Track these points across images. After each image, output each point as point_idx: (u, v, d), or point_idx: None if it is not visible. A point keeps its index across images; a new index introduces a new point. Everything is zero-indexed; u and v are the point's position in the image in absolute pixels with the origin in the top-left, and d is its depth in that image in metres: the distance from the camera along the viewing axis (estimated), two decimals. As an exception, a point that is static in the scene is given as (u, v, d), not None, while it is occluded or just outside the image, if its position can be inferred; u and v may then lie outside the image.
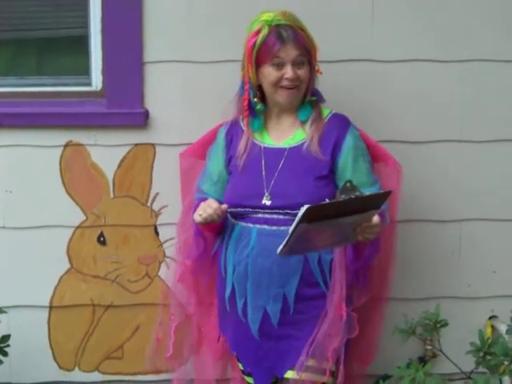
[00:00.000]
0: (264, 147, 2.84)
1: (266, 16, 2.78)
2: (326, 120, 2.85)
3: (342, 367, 2.73)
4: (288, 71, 2.75)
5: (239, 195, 2.80)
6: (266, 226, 2.75)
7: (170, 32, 3.22)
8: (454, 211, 3.29)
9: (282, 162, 2.79)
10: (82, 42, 3.30)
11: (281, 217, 2.73)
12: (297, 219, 2.42)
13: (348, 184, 2.53)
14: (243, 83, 2.84)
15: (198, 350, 3.05)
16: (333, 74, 3.11)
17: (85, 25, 3.28)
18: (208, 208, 2.73)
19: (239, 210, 2.80)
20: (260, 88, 2.84)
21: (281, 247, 2.51)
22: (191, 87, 3.23)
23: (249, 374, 2.87)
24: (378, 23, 3.21)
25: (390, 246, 2.99)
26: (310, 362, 2.71)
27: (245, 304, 2.80)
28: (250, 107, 2.84)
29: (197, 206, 2.86)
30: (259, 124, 2.86)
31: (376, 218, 2.61)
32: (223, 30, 3.19)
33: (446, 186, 3.29)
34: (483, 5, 3.23)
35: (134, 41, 3.21)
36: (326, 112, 2.88)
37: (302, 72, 2.77)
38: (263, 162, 2.81)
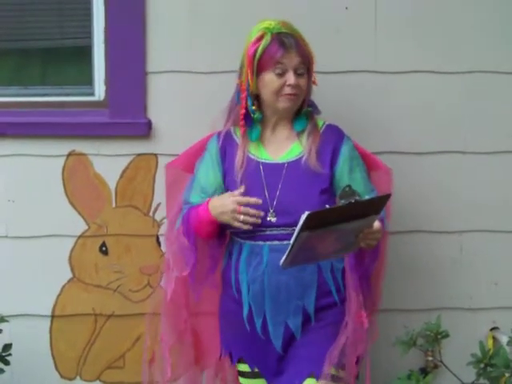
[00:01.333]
0: (262, 163, 2.80)
1: (267, 24, 2.76)
2: (321, 131, 2.83)
3: (368, 373, 2.77)
4: (290, 78, 2.72)
5: None
6: (276, 242, 2.72)
7: (172, 42, 3.23)
8: (455, 222, 3.29)
9: (283, 177, 2.76)
10: (85, 52, 3.32)
11: (289, 231, 2.68)
12: (298, 227, 2.42)
13: (347, 189, 2.53)
14: (239, 92, 2.81)
15: (195, 365, 3.03)
16: (335, 85, 3.13)
17: (88, 35, 3.30)
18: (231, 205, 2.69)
19: (246, 233, 2.76)
20: (257, 98, 2.80)
21: (283, 258, 2.50)
22: (194, 98, 3.24)
23: None
24: (381, 35, 3.22)
25: (382, 257, 2.95)
26: (333, 371, 2.70)
27: (264, 322, 2.77)
28: (246, 117, 2.80)
29: (187, 214, 2.82)
30: (257, 133, 2.82)
31: (377, 224, 2.61)
32: (226, 41, 3.20)
33: (448, 197, 3.29)
34: (485, 17, 3.24)
35: (137, 51, 3.22)
36: (320, 123, 2.86)
37: (302, 81, 2.76)
38: (263, 179, 2.78)
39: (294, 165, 2.78)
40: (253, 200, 2.70)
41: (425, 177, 3.28)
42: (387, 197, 2.55)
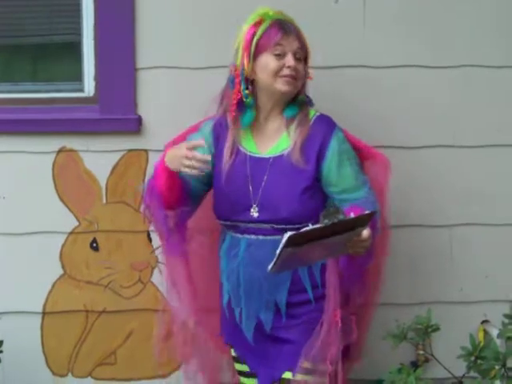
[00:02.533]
0: (249, 156, 2.78)
1: (266, 10, 2.75)
2: (310, 123, 2.77)
3: (340, 372, 2.72)
4: (290, 60, 2.69)
5: (227, 209, 2.76)
6: (253, 236, 2.74)
7: (162, 38, 3.23)
8: (445, 216, 3.30)
9: (267, 172, 2.74)
10: (75, 49, 3.32)
11: (268, 227, 2.71)
12: (280, 245, 2.40)
13: (331, 208, 2.54)
14: (233, 77, 2.77)
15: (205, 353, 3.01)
16: (325, 80, 3.12)
17: (77, 31, 3.30)
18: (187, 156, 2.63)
19: (228, 223, 2.78)
20: (252, 83, 2.75)
21: (270, 265, 2.48)
22: (184, 93, 3.24)
23: (252, 376, 2.87)
24: (370, 29, 3.22)
25: (382, 249, 2.94)
26: (308, 365, 2.71)
27: (241, 312, 2.81)
28: (239, 103, 2.76)
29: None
30: (249, 118, 2.77)
31: (366, 233, 2.55)
32: (215, 36, 3.20)
33: (438, 190, 3.29)
34: (475, 10, 3.24)
35: (126, 47, 3.22)
36: (312, 113, 2.81)
37: (300, 67, 2.73)
38: (249, 172, 2.76)
39: (279, 160, 2.75)
40: (200, 143, 2.68)
41: (415, 171, 3.28)
42: (371, 214, 2.51)
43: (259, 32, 2.71)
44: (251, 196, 2.74)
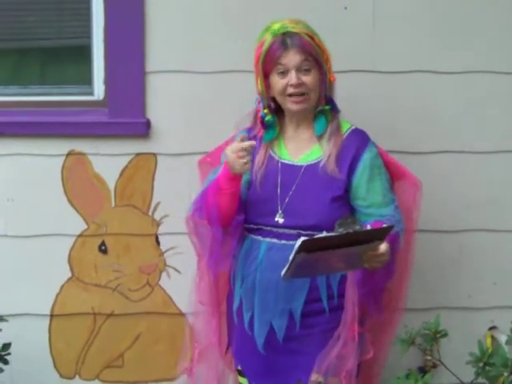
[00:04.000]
0: (281, 162, 2.77)
1: (274, 25, 2.73)
2: (345, 136, 2.77)
3: None
4: (291, 77, 2.68)
5: (253, 212, 2.75)
6: (275, 240, 2.72)
7: (171, 42, 3.24)
8: (454, 222, 3.30)
9: (298, 179, 2.74)
10: (85, 52, 3.32)
11: (292, 233, 2.70)
12: (294, 251, 2.40)
13: (348, 218, 2.51)
14: (257, 96, 2.79)
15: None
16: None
17: (87, 35, 3.30)
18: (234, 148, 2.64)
19: (251, 226, 2.77)
20: (274, 100, 2.78)
21: (284, 271, 2.47)
22: (193, 97, 3.25)
23: None
24: (379, 35, 3.22)
25: (405, 266, 2.91)
26: (321, 378, 2.69)
27: (252, 317, 2.78)
28: (262, 120, 2.77)
29: (205, 191, 2.76)
30: (271, 136, 2.79)
31: (383, 247, 2.51)
32: (225, 41, 3.20)
33: (447, 196, 3.29)
34: (486, 16, 3.24)
35: (136, 51, 3.23)
36: (346, 127, 2.80)
37: (308, 78, 2.70)
38: (279, 178, 2.75)
39: (312, 168, 2.74)
40: (252, 143, 2.66)
41: (423, 176, 3.24)
42: (389, 228, 2.48)
43: (263, 52, 2.72)
44: (278, 202, 2.73)
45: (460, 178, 3.29)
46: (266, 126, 2.77)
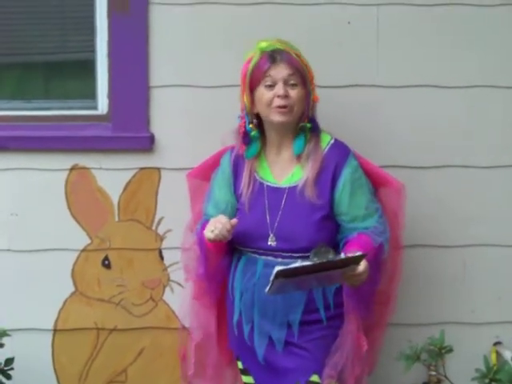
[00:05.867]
0: (267, 185, 2.82)
1: (261, 43, 2.80)
2: (324, 152, 2.80)
3: None
4: (279, 89, 2.73)
5: (246, 238, 2.80)
6: (271, 258, 2.77)
7: (175, 57, 3.24)
8: (458, 236, 3.29)
9: (283, 202, 2.78)
10: (89, 66, 3.32)
11: (286, 255, 2.75)
12: (271, 277, 2.48)
13: (322, 248, 2.60)
14: (240, 113, 2.85)
15: (220, 367, 3.05)
16: (337, 99, 3.13)
17: (91, 49, 3.30)
18: (218, 223, 2.71)
19: (246, 249, 2.83)
20: (258, 117, 2.82)
21: (267, 288, 2.54)
22: (196, 111, 3.25)
23: None
24: (383, 49, 3.23)
25: (394, 271, 2.97)
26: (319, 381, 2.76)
27: (251, 329, 2.83)
28: (246, 136, 2.82)
29: (201, 228, 2.85)
30: (253, 152, 2.82)
31: (361, 268, 2.58)
32: (228, 56, 3.20)
33: (450, 211, 3.29)
34: (488, 30, 3.25)
35: (140, 65, 3.23)
36: (326, 140, 2.83)
37: (294, 93, 2.75)
38: (266, 202, 2.80)
39: (294, 190, 2.78)
40: (234, 222, 2.74)
41: (426, 191, 3.28)
42: (361, 257, 2.56)
43: (251, 67, 2.78)
44: (268, 225, 2.78)
45: (462, 192, 3.29)
46: (248, 141, 2.82)
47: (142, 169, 3.28)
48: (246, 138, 2.82)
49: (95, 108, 3.33)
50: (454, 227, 3.29)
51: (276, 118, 2.76)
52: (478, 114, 3.27)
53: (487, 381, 2.65)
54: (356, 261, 2.56)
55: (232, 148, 2.91)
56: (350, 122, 3.18)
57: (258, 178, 2.84)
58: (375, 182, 2.90)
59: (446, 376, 2.99)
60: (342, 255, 2.57)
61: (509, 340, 3.11)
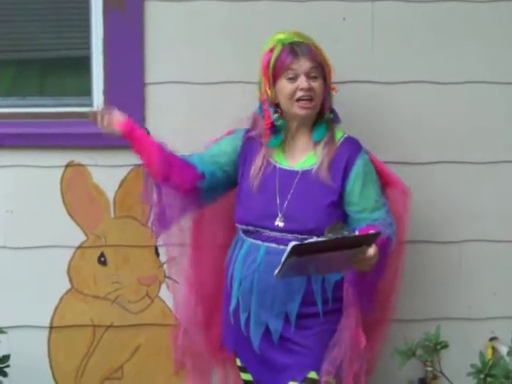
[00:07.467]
0: (279, 168, 2.86)
1: (280, 35, 2.84)
2: (338, 144, 2.86)
3: None
4: (302, 82, 2.78)
5: (254, 215, 2.83)
6: (274, 245, 2.79)
7: (171, 53, 3.24)
8: (454, 232, 3.30)
9: (295, 184, 2.82)
10: (84, 63, 3.32)
11: (290, 237, 2.75)
12: (285, 254, 2.48)
13: (337, 224, 2.60)
14: (261, 104, 2.86)
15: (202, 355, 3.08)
16: (333, 95, 3.13)
17: (87, 46, 3.30)
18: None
19: (250, 228, 2.84)
20: (278, 106, 2.85)
21: (277, 270, 2.55)
22: (192, 108, 3.25)
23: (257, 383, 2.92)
24: (378, 46, 3.23)
25: (396, 268, 2.99)
26: (331, 382, 2.76)
27: (248, 318, 2.84)
28: (273, 126, 2.85)
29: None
30: (277, 141, 2.87)
31: (372, 251, 2.60)
32: (224, 52, 3.21)
33: (447, 207, 3.29)
34: (483, 27, 3.25)
35: (135, 62, 3.23)
36: (339, 135, 2.89)
37: (316, 85, 2.80)
38: (277, 183, 2.84)
39: (308, 174, 2.83)
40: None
41: (423, 187, 3.27)
42: (376, 235, 2.58)
43: (272, 59, 2.81)
44: (278, 206, 2.81)
45: (460, 188, 3.30)
46: (274, 130, 2.85)
47: (137, 165, 3.27)
48: (273, 128, 2.85)
49: (91, 105, 3.31)
50: (450, 223, 3.30)
51: (300, 111, 2.81)
52: (476, 111, 3.27)
53: (482, 376, 2.66)
54: (370, 240, 2.57)
55: (247, 130, 2.93)
56: (345, 117, 3.17)
57: (270, 160, 2.87)
58: (382, 182, 2.92)
59: (441, 372, 2.99)
60: (357, 232, 2.62)
61: (505, 335, 3.11)
